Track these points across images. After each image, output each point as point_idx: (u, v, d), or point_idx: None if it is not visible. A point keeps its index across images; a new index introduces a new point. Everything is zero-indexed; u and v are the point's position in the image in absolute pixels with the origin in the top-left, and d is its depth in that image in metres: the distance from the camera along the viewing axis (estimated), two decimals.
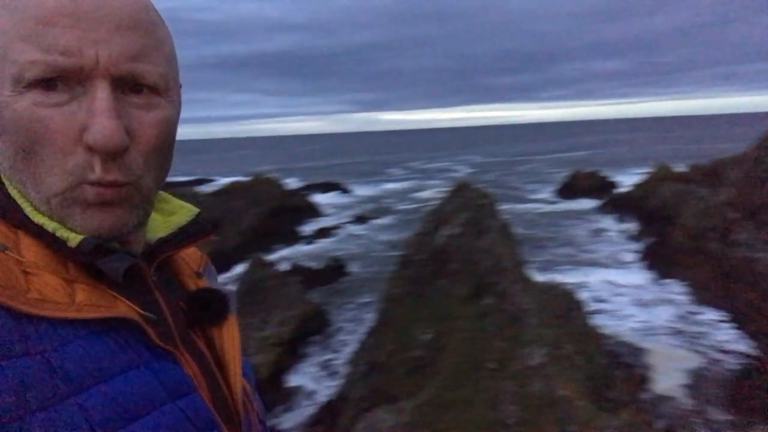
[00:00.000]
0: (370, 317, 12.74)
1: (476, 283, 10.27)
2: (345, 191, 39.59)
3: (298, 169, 62.66)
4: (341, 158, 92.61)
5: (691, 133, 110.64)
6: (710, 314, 13.04)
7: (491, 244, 11.02)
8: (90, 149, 0.58)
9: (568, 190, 32.32)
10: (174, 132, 0.67)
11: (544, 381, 7.78)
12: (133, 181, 0.61)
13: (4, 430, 0.49)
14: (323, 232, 24.96)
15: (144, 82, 0.61)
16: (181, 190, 22.59)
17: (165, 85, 0.64)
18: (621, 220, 23.76)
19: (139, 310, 0.62)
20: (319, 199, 33.07)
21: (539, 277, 12.01)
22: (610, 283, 16.03)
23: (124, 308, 0.61)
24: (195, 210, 0.77)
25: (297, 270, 16.81)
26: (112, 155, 0.58)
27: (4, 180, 0.63)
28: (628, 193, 26.02)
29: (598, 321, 11.82)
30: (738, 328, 12.04)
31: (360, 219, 28.04)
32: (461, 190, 12.93)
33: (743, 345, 11.39)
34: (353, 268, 18.56)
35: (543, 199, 32.65)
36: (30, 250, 0.59)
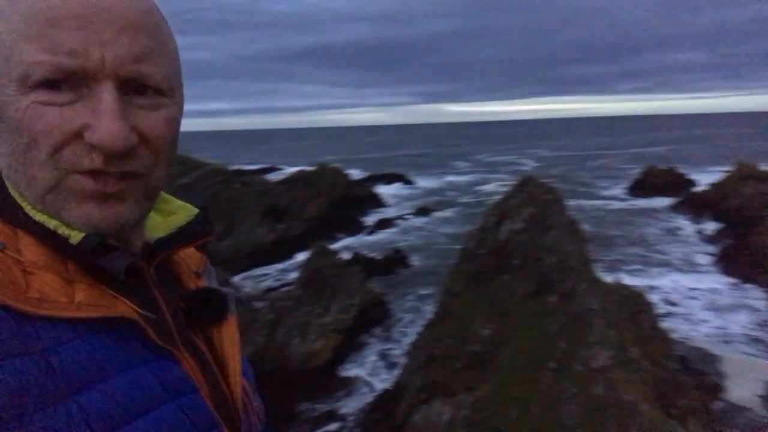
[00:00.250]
0: (429, 309, 12.72)
1: (539, 280, 10.04)
2: (408, 183, 39.53)
3: (363, 159, 63.11)
4: (406, 149, 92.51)
5: None
6: None
7: (557, 240, 10.74)
8: (93, 148, 0.58)
9: (641, 187, 30.97)
10: (178, 131, 0.66)
11: (608, 384, 7.53)
12: (145, 173, 0.62)
13: (3, 429, 0.48)
14: (385, 223, 25.06)
15: (149, 84, 0.61)
16: (251, 178, 23.25)
17: (169, 86, 0.64)
18: (697, 221, 22.57)
19: (138, 309, 0.62)
20: (382, 190, 33.20)
21: (607, 277, 11.61)
22: (683, 285, 15.30)
23: (123, 307, 0.61)
24: (194, 210, 0.76)
25: (358, 259, 16.99)
26: (118, 156, 0.59)
27: (5, 180, 0.63)
28: (705, 192, 24.68)
29: (668, 324, 11.32)
30: None
31: (422, 211, 27.97)
32: (527, 184, 12.64)
33: None
34: (414, 259, 18.55)
35: (614, 196, 31.46)
36: (29, 249, 0.60)
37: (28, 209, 0.61)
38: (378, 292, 14.91)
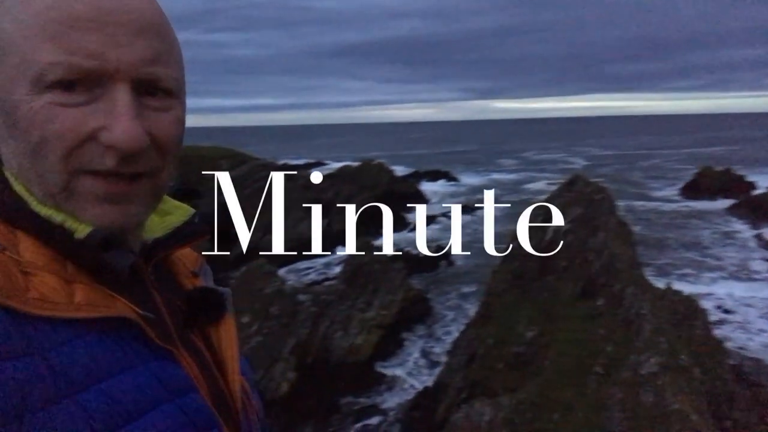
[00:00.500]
0: (471, 308, 12.61)
1: (586, 282, 9.82)
2: (453, 180, 39.30)
3: (408, 156, 63.08)
4: (452, 146, 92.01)
5: None
6: None
7: (605, 242, 10.47)
8: (107, 149, 0.58)
9: (695, 189, 29.89)
10: (183, 132, 0.67)
11: (656, 391, 7.29)
12: (154, 173, 0.63)
13: (4, 429, 0.49)
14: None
15: (160, 85, 0.62)
16: (297, 174, 23.57)
17: (177, 88, 0.64)
18: (755, 225, 21.63)
19: (137, 309, 0.62)
20: (427, 186, 33.11)
21: (657, 282, 11.25)
22: (738, 292, 14.68)
23: (122, 307, 0.61)
24: (191, 211, 0.77)
25: (401, 256, 16.99)
26: (132, 156, 0.59)
27: (11, 178, 0.63)
28: (765, 195, 23.66)
29: (721, 333, 10.90)
30: None
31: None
32: (575, 183, 12.38)
33: None
34: (456, 257, 18.44)
35: (666, 197, 30.50)
36: (29, 250, 0.60)
37: (34, 204, 0.61)
38: (420, 289, 14.88)
